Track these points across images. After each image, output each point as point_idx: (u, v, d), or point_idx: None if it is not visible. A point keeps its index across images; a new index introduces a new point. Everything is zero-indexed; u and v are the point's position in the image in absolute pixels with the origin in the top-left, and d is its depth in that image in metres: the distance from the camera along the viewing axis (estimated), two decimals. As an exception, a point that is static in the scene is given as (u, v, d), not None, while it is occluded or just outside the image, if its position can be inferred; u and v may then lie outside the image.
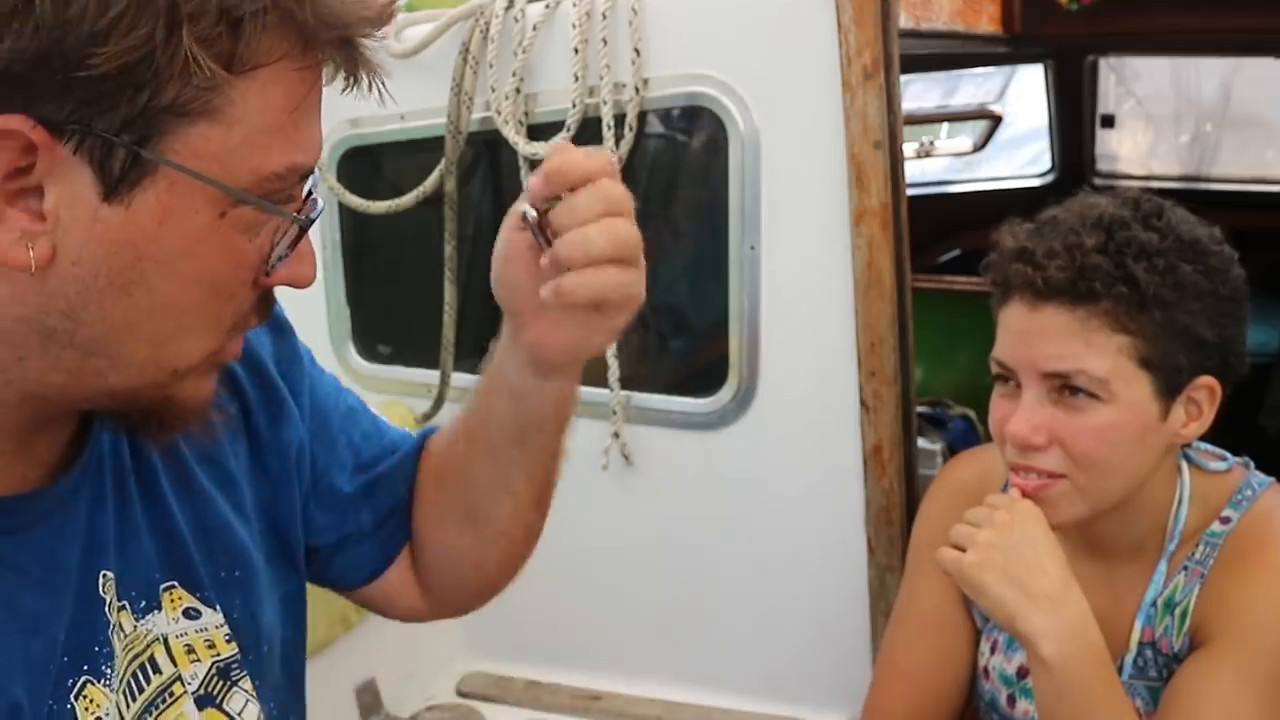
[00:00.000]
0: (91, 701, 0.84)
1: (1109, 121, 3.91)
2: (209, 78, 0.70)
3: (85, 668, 0.84)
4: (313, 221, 0.82)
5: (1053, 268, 1.28)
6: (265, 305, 0.85)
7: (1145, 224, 1.30)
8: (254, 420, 1.03)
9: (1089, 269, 1.27)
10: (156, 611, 0.91)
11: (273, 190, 0.77)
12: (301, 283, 0.84)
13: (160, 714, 0.90)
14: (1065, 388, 1.30)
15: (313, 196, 0.82)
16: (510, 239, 0.96)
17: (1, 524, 0.81)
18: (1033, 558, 1.28)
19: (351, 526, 1.11)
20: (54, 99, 0.68)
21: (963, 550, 1.32)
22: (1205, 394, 1.33)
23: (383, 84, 0.81)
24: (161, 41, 0.67)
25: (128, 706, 0.87)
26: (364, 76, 0.79)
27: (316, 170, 0.82)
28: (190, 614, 0.94)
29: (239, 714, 0.96)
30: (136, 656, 0.89)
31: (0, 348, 0.76)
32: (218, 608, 0.96)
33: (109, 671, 0.86)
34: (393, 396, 2.22)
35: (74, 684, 0.83)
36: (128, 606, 0.89)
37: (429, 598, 1.19)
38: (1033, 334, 1.31)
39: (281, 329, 1.08)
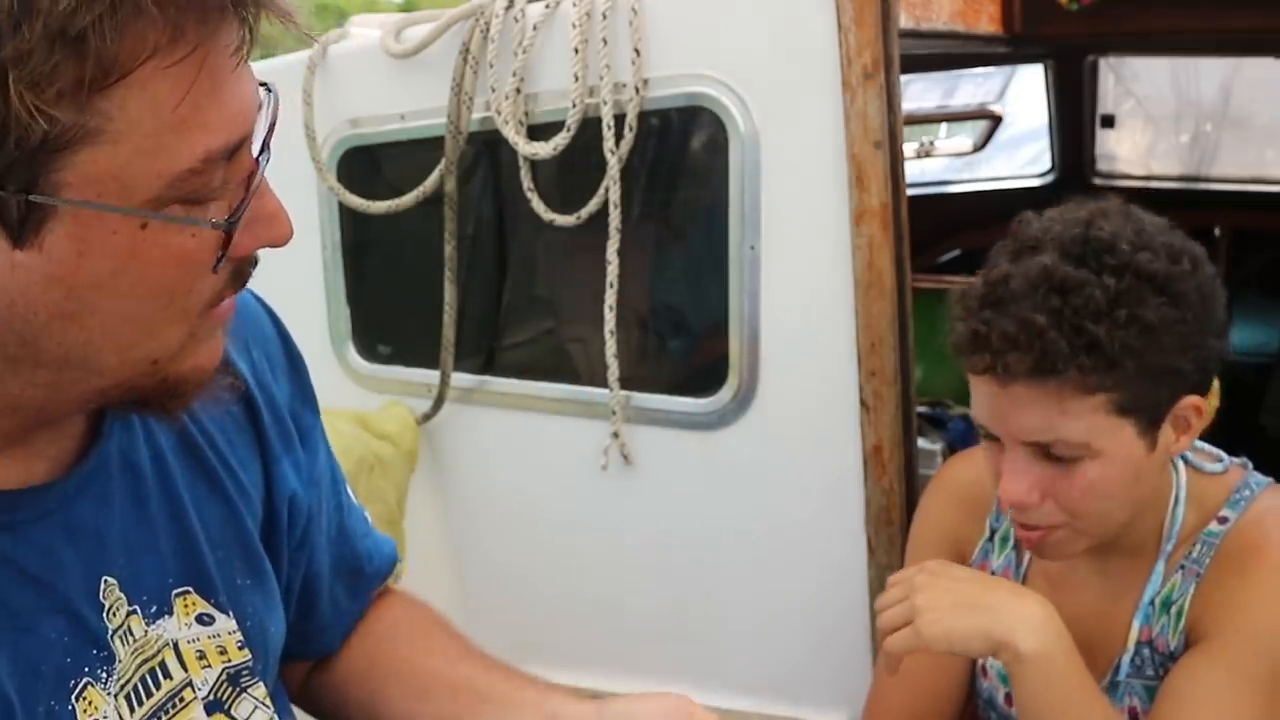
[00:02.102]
0: (90, 704, 0.84)
1: (1109, 121, 3.91)
2: (66, 111, 0.64)
3: (85, 669, 0.84)
4: (232, 230, 0.75)
5: (1011, 358, 1.23)
6: (240, 276, 0.81)
7: (1100, 271, 1.23)
8: (269, 448, 1.02)
9: (1048, 348, 1.21)
10: (168, 616, 0.91)
11: (196, 186, 0.72)
12: (277, 243, 0.80)
13: (170, 719, 0.90)
14: (1049, 451, 1.29)
15: (263, 156, 0.77)
16: None
17: None
18: (974, 582, 1.30)
19: (313, 602, 1.11)
20: None
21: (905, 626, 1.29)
22: (1191, 411, 1.32)
23: (300, 27, 0.74)
24: None
25: (131, 711, 0.87)
26: (261, 32, 0.73)
27: (264, 119, 0.77)
28: (203, 620, 0.93)
29: None
30: (146, 661, 0.89)
31: None
32: (231, 614, 0.95)
33: (106, 676, 0.85)
34: (393, 396, 2.22)
35: (75, 685, 0.83)
36: (138, 611, 0.89)
37: (303, 700, 1.18)
38: (1006, 411, 1.28)
39: (297, 368, 1.08)
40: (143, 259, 0.72)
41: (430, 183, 2.04)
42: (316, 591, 1.11)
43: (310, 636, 1.13)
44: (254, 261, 0.82)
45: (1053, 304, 1.22)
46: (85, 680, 0.84)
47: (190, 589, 0.93)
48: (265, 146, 0.77)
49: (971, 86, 4.36)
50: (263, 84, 0.79)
